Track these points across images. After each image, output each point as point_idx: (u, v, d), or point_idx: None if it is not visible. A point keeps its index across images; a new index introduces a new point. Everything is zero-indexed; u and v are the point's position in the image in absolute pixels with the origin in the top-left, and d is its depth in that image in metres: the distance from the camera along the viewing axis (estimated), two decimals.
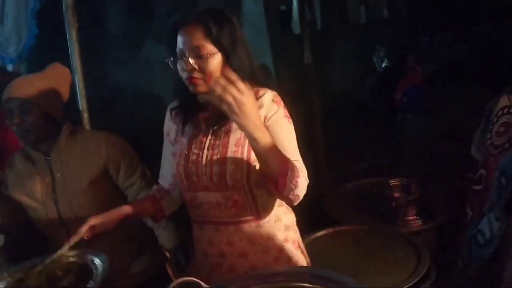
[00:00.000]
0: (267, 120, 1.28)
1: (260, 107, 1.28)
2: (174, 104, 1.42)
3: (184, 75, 1.25)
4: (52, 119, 1.60)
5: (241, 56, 1.28)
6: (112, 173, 1.66)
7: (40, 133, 1.57)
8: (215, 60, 1.25)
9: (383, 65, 4.36)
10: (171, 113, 1.40)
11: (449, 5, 3.26)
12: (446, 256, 1.86)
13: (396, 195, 2.17)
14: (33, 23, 2.88)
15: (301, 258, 1.40)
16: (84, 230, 1.25)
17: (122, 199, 1.67)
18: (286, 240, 1.36)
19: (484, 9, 2.97)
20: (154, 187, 1.48)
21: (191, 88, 1.26)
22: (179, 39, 1.24)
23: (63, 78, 1.70)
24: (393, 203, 2.14)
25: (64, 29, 2.04)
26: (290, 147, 1.27)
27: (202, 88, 1.25)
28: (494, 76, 2.54)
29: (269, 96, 1.31)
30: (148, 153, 1.81)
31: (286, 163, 1.16)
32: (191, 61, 1.22)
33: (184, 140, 1.34)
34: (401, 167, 2.54)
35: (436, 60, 3.64)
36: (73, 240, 1.23)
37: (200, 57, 1.23)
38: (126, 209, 1.34)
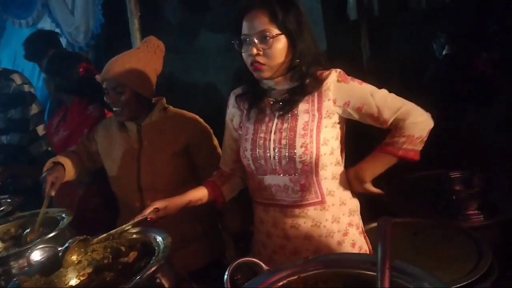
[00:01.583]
0: (338, 101, 1.28)
1: (327, 89, 1.29)
2: (238, 90, 1.45)
3: (249, 60, 1.27)
4: (144, 97, 1.73)
5: (306, 41, 1.29)
6: (193, 151, 1.77)
7: (132, 111, 1.72)
8: (280, 44, 1.26)
9: (444, 52, 4.14)
10: (235, 99, 1.43)
11: None
12: (510, 254, 1.76)
13: (457, 188, 2.08)
14: (100, 13, 3.03)
15: (364, 243, 1.39)
16: (148, 211, 1.32)
17: (196, 179, 1.74)
18: (350, 224, 1.36)
19: None
20: (215, 173, 1.52)
21: (255, 74, 1.28)
22: (245, 24, 1.26)
23: (156, 52, 1.81)
24: (454, 196, 2.05)
25: (127, 18, 2.13)
26: (392, 101, 1.30)
27: (266, 73, 1.27)
28: None
29: (333, 76, 1.31)
30: None
31: (392, 151, 1.30)
32: (256, 45, 1.24)
33: (250, 125, 1.37)
34: (463, 160, 2.41)
35: (503, 48, 3.40)
36: (137, 219, 1.29)
37: (265, 41, 1.24)
38: (189, 196, 1.42)
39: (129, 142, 1.76)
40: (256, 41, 1.25)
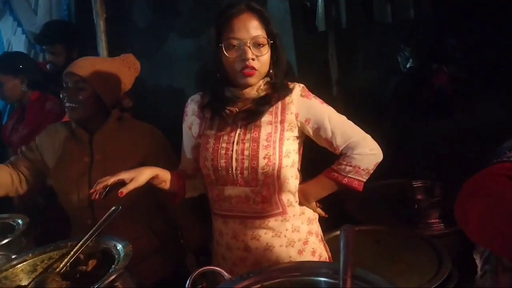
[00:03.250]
0: (300, 116, 1.29)
1: (290, 103, 1.29)
2: (196, 97, 1.42)
3: (240, 65, 1.23)
4: (102, 102, 1.63)
5: (282, 51, 1.29)
6: (149, 164, 1.66)
7: (87, 112, 1.62)
8: (268, 52, 1.26)
9: (408, 65, 4.29)
10: (197, 106, 1.40)
11: (477, 7, 3.19)
12: (469, 261, 1.82)
13: (419, 197, 2.13)
14: (64, 14, 2.95)
15: (324, 251, 1.40)
16: (112, 180, 1.23)
17: (154, 194, 1.66)
18: (310, 232, 1.37)
19: None
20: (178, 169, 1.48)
21: (244, 79, 1.25)
22: (236, 27, 1.23)
23: (130, 69, 1.75)
24: (415, 205, 2.10)
25: (93, 20, 2.08)
26: (345, 129, 1.31)
27: (254, 80, 1.26)
28: None
29: (297, 90, 1.31)
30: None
31: (337, 179, 1.32)
32: (251, 50, 1.22)
33: (211, 134, 1.33)
34: (424, 170, 2.48)
35: (462, 62, 3.55)
36: (98, 186, 1.22)
37: (259, 46, 1.23)
38: (156, 170, 1.32)
39: (79, 155, 1.65)
40: (250, 46, 1.23)
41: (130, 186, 1.23)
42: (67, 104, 1.61)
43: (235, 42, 1.23)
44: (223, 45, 1.24)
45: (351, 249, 0.84)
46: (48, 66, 2.58)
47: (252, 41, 1.23)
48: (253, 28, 1.23)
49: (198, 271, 0.97)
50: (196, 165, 1.39)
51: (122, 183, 1.24)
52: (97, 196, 1.23)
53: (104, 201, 1.57)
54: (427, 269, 1.63)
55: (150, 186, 1.65)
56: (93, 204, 1.60)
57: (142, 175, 1.27)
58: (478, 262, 1.10)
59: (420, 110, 3.47)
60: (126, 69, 1.73)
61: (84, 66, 1.61)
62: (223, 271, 0.96)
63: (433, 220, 2.05)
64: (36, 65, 2.48)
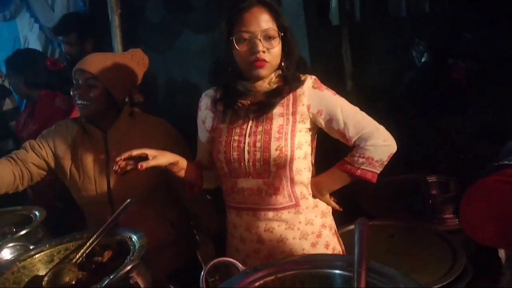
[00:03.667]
0: (311, 108, 1.29)
1: (302, 94, 1.29)
2: (209, 91, 1.43)
3: (251, 57, 1.25)
4: (113, 99, 1.63)
5: (293, 44, 1.30)
6: None
7: (98, 109, 1.62)
8: (279, 44, 1.27)
9: (423, 59, 4.23)
10: (210, 101, 1.41)
11: (494, 1, 3.13)
12: (484, 257, 1.80)
13: (434, 192, 2.11)
14: (81, 9, 2.98)
15: (338, 245, 1.40)
16: (135, 153, 1.24)
17: (169, 185, 1.70)
18: (323, 226, 1.37)
19: None
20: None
21: (256, 72, 1.26)
22: (246, 20, 1.24)
23: (139, 64, 1.74)
24: (430, 200, 2.08)
25: (108, 15, 2.10)
26: (358, 120, 1.30)
27: (267, 71, 1.27)
28: None
29: (309, 82, 1.31)
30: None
31: (350, 170, 1.31)
32: (262, 42, 1.23)
33: (224, 127, 1.35)
34: (438, 164, 2.46)
35: (477, 58, 3.50)
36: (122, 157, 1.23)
37: (270, 39, 1.24)
38: (177, 157, 1.34)
39: (94, 152, 1.65)
40: (261, 38, 1.24)
41: (151, 163, 1.25)
42: (79, 102, 1.60)
43: (246, 35, 1.24)
44: (234, 38, 1.25)
45: (365, 242, 0.84)
46: (65, 59, 2.61)
47: (263, 34, 1.24)
48: (264, 21, 1.24)
49: (212, 262, 0.97)
50: (211, 158, 1.41)
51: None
52: (118, 170, 1.25)
53: (124, 195, 1.61)
54: (441, 265, 1.61)
55: (165, 177, 1.68)
56: (113, 199, 1.63)
57: (164, 156, 1.29)
58: (504, 261, 1.09)
59: (435, 104, 3.43)
60: (135, 64, 1.73)
61: (94, 63, 1.61)
62: (237, 262, 0.97)
63: (447, 216, 2.03)
64: (39, 64, 2.40)
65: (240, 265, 0.97)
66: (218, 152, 1.33)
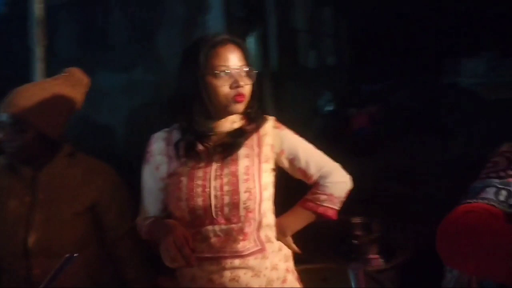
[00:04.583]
0: (275, 148, 1.29)
1: (265, 135, 1.30)
2: (160, 133, 1.35)
3: (232, 92, 1.21)
4: (49, 138, 1.44)
5: (255, 81, 1.31)
6: (101, 210, 1.50)
7: (32, 154, 1.42)
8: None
9: (326, 109, 4.57)
10: (165, 144, 1.33)
11: (392, 55, 3.55)
12: None
13: (358, 233, 2.22)
14: None
15: None
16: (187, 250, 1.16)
17: (99, 241, 1.51)
18: (287, 270, 1.35)
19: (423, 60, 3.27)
20: (151, 218, 1.36)
21: (235, 107, 1.24)
22: (225, 56, 1.23)
23: (75, 87, 1.53)
24: (355, 241, 2.18)
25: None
26: (318, 158, 1.34)
27: (242, 107, 1.26)
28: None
29: (270, 122, 1.33)
30: None
31: (313, 208, 1.33)
32: (241, 78, 1.22)
33: (183, 171, 1.27)
34: (356, 207, 2.61)
35: (378, 104, 3.90)
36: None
37: (245, 75, 1.23)
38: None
39: (18, 193, 1.45)
40: (240, 73, 1.23)
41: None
42: (8, 150, 1.41)
43: (226, 70, 1.22)
44: (209, 73, 1.22)
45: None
46: None
47: (241, 70, 1.24)
48: (239, 58, 1.25)
49: None
50: (162, 207, 1.31)
51: None
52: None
53: (42, 248, 1.40)
54: None
55: (98, 233, 1.52)
56: (29, 252, 1.41)
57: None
58: None
59: (344, 150, 3.70)
60: (70, 88, 1.52)
61: (20, 103, 1.39)
62: None
63: (372, 256, 2.14)
64: None
65: None
66: (178, 200, 1.25)
